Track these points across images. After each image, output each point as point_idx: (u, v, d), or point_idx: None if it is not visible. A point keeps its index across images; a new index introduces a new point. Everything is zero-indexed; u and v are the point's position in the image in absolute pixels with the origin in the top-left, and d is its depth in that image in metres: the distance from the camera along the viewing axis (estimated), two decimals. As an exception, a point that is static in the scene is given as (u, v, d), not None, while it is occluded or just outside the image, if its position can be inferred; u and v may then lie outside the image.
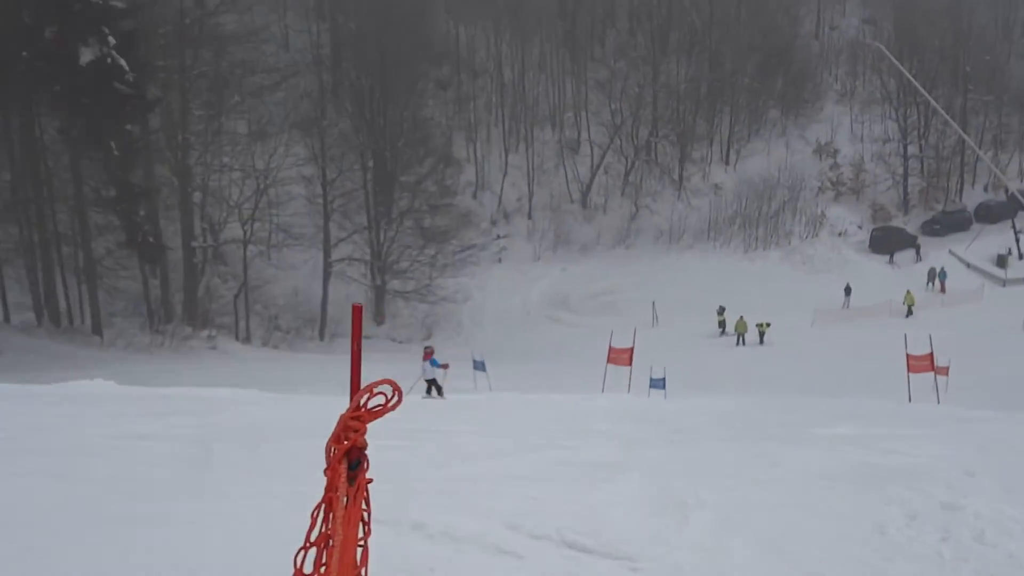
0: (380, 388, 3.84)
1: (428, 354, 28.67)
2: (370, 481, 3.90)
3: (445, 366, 28.95)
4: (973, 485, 12.39)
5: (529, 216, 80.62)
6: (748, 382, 49.48)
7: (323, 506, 3.72)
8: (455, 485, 10.09)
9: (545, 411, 22.77)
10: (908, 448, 15.08)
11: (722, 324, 63.82)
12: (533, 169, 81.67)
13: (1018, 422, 23.55)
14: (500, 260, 75.06)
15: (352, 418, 3.79)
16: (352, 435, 3.77)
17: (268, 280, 64.61)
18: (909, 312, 65.87)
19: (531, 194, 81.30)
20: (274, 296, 64.47)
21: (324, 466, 3.79)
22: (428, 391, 28.25)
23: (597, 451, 13.63)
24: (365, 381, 3.94)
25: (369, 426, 3.87)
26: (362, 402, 3.81)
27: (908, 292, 67.39)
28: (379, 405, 3.85)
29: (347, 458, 3.78)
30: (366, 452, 3.84)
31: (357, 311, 3.99)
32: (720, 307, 64.32)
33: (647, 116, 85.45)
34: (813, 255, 78.42)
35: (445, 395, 28.02)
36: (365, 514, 3.91)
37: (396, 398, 3.86)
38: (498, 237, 77.27)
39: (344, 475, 3.76)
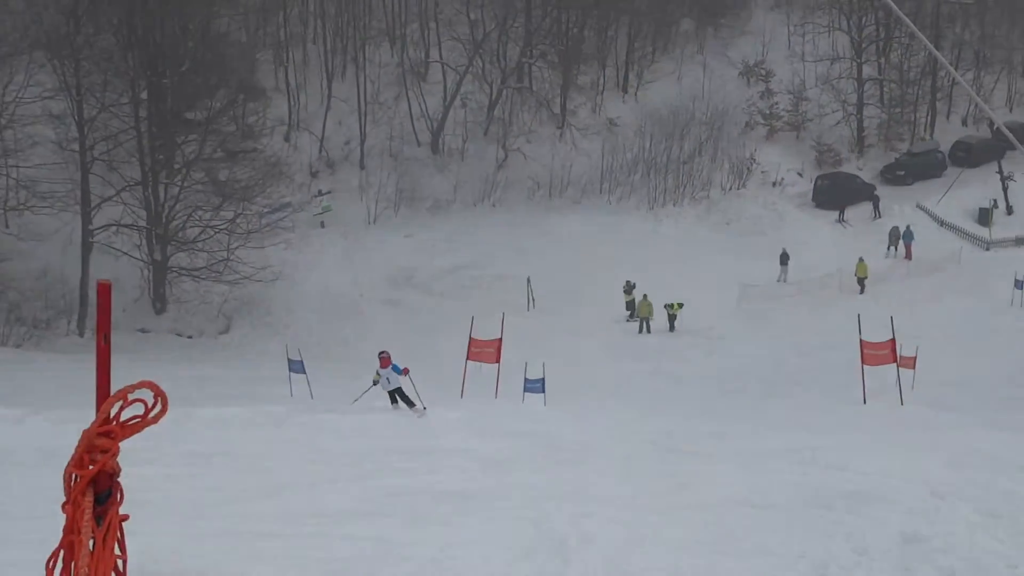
0: (137, 394, 3.76)
1: (385, 361, 30.48)
2: (125, 518, 3.75)
3: (406, 371, 30.17)
4: (942, 510, 12.80)
5: (361, 165, 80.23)
6: (655, 381, 50.27)
7: (61, 553, 3.57)
8: (254, 526, 10.03)
9: (382, 425, 22.83)
10: (860, 464, 15.48)
11: (630, 305, 64.40)
12: (366, 102, 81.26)
13: (1000, 428, 24.43)
14: (323, 225, 74.56)
15: (100, 434, 3.64)
16: (99, 457, 3.61)
17: (5, 256, 63.34)
18: (861, 288, 67.37)
19: (363, 136, 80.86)
20: (14, 277, 63.20)
21: (64, 500, 3.65)
22: (394, 402, 30.08)
23: (449, 476, 13.69)
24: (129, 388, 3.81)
25: (126, 444, 3.76)
26: (112, 413, 3.68)
27: (860, 261, 68.86)
28: (137, 417, 3.77)
29: (93, 488, 3.60)
30: (119, 479, 3.71)
31: (103, 290, 3.97)
32: (628, 283, 64.85)
33: (518, 29, 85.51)
34: (739, 212, 79.48)
35: (419, 404, 29.46)
36: (119, 562, 3.75)
37: (159, 406, 3.80)
38: (320, 194, 76.73)
39: (90, 511, 3.60)
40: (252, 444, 17.39)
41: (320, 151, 79.97)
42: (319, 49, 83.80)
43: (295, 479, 13.35)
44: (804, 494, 12.86)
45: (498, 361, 39.23)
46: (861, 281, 67.77)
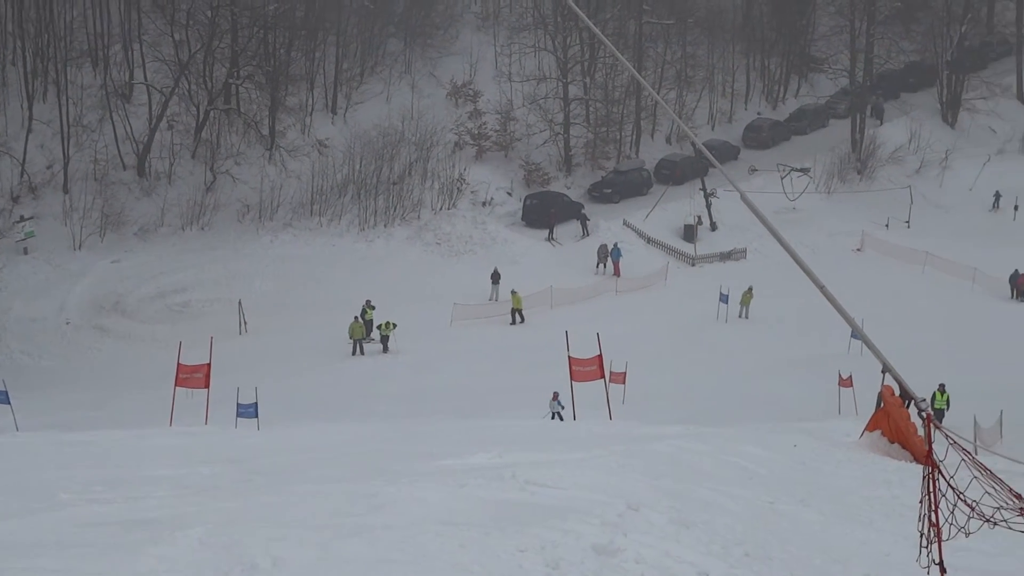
0: None
1: None
2: None
3: None
4: (636, 521, 13.58)
5: (65, 190, 78.60)
6: (368, 402, 50.77)
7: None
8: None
9: (85, 454, 22.74)
10: (560, 479, 16.16)
11: (367, 326, 63.73)
12: (69, 125, 79.74)
13: (702, 439, 25.67)
14: (26, 251, 72.99)
15: None
16: None
17: None
18: (514, 319, 67.91)
19: (66, 159, 79.26)
20: None
21: None
22: None
23: (147, 504, 13.89)
24: None
25: None
26: None
27: (513, 293, 68.45)
28: None
29: None
30: None
31: None
32: (368, 304, 64.37)
33: (224, 49, 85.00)
34: (450, 232, 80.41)
35: None
36: None
37: None
38: (22, 219, 75.11)
39: None
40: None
41: (21, 175, 78.23)
42: (19, 71, 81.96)
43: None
44: (501, 511, 13.28)
45: (207, 386, 39.09)
46: (515, 312, 68.01)
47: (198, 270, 72.44)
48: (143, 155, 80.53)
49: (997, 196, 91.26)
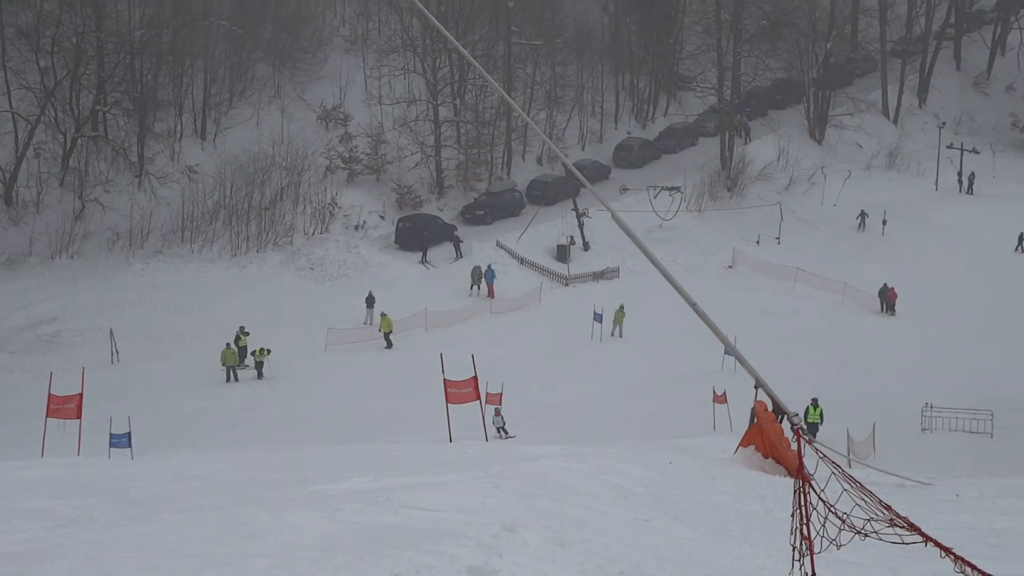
0: None
1: None
2: None
3: None
4: (512, 542, 13.64)
5: (-71, 220, 77.74)
6: (240, 429, 50.48)
7: None
8: None
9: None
10: (435, 502, 16.19)
11: (241, 352, 63.37)
12: (-71, 155, 78.75)
13: (579, 458, 25.80)
14: None
15: None
16: None
17: None
18: (388, 343, 67.44)
19: (-70, 189, 78.43)
20: None
21: None
22: None
23: (16, 538, 13.67)
24: None
25: None
26: None
27: (383, 316, 68.23)
28: None
29: None
30: None
31: None
32: (241, 330, 63.89)
33: (91, 76, 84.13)
34: (323, 256, 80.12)
35: None
36: None
37: None
38: None
39: None
40: None
41: None
42: None
43: None
44: (376, 536, 13.27)
45: (79, 416, 38.60)
46: (386, 336, 67.61)
47: (68, 299, 71.53)
48: (10, 184, 79.37)
49: (863, 216, 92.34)
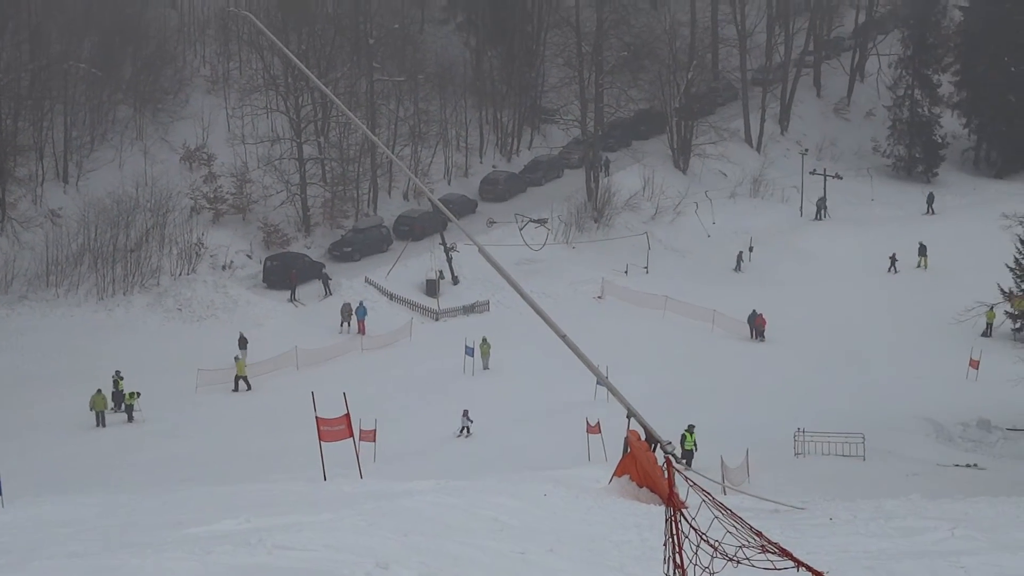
0: None
1: None
2: None
3: None
4: (385, 579, 13.81)
5: None
6: (116, 472, 49.95)
7: None
8: None
9: None
10: (308, 541, 16.18)
11: (118, 397, 62.20)
12: None
13: (453, 493, 25.93)
14: None
15: None
16: None
17: None
18: (236, 386, 66.65)
19: None
20: None
21: None
22: None
23: None
24: None
25: None
26: None
27: (236, 360, 68.04)
28: None
29: None
30: None
31: None
32: (117, 374, 62.89)
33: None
34: (191, 297, 79.42)
35: None
36: None
37: None
38: None
39: None
40: None
41: None
42: None
43: None
44: None
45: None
46: (238, 379, 66.86)
47: (-69, 347, 70.50)
48: None
49: (739, 257, 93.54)
